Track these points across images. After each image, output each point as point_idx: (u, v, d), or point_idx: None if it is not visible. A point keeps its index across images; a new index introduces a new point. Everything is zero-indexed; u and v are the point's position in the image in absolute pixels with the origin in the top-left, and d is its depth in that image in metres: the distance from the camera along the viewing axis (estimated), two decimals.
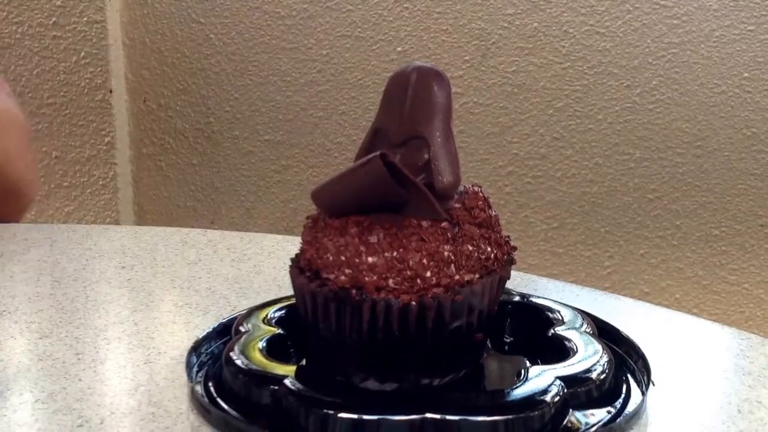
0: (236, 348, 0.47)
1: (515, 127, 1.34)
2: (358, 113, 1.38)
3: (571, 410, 0.43)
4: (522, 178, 1.35)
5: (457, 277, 0.44)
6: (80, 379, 0.48)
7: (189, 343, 0.50)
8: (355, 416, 0.41)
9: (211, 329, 0.51)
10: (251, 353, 0.46)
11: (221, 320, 0.52)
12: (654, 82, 1.30)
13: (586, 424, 0.43)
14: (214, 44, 1.42)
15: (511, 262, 0.47)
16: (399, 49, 1.35)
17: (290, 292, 0.48)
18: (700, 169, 1.32)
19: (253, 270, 0.65)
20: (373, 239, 0.44)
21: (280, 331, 0.49)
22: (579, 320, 0.50)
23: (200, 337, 0.50)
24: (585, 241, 1.38)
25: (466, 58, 1.33)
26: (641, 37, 1.29)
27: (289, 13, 1.38)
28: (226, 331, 0.50)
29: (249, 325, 0.50)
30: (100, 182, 1.46)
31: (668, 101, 1.30)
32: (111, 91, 1.43)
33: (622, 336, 0.51)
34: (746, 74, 1.27)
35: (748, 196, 1.31)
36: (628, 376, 0.48)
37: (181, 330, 0.54)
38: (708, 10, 1.26)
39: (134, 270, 0.66)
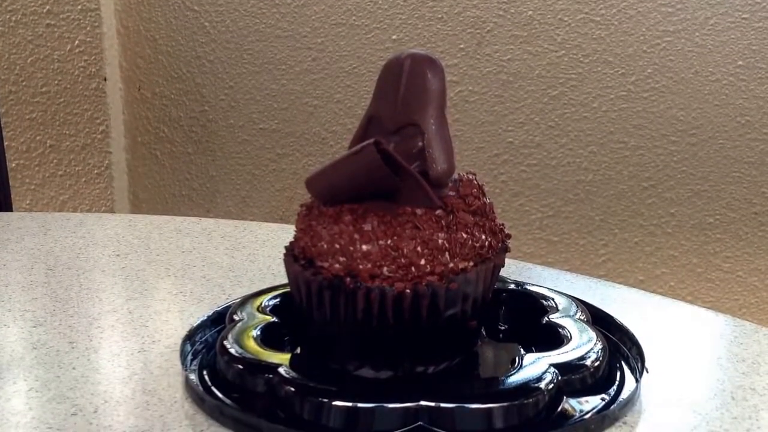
0: (230, 336, 0.47)
1: (510, 115, 1.34)
2: (353, 101, 1.38)
3: (565, 397, 0.43)
4: (517, 167, 1.35)
5: (451, 264, 0.44)
6: (74, 368, 0.48)
7: (183, 332, 0.50)
8: (349, 404, 0.41)
9: (205, 317, 0.51)
10: (245, 342, 0.46)
11: (215, 308, 0.52)
12: (649, 70, 1.30)
13: (580, 411, 0.43)
14: (209, 32, 1.41)
15: (506, 249, 0.47)
16: (394, 37, 1.35)
17: (285, 280, 0.48)
18: (695, 157, 1.32)
19: (247, 258, 0.65)
20: (367, 227, 0.43)
21: (274, 319, 0.49)
22: (573, 308, 0.50)
23: (194, 325, 0.50)
24: (580, 230, 1.38)
25: (461, 46, 1.33)
26: (636, 25, 1.29)
27: (284, 1, 1.37)
28: (221, 320, 0.50)
29: (243, 314, 0.50)
30: (95, 171, 1.45)
31: (663, 89, 1.30)
32: (105, 80, 1.43)
33: (616, 323, 0.51)
34: (741, 62, 1.27)
35: (742, 184, 1.31)
36: (622, 363, 0.48)
37: (176, 318, 0.54)
38: None
39: (128, 258, 0.66)
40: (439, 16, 1.33)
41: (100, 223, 0.73)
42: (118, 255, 0.66)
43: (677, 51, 1.28)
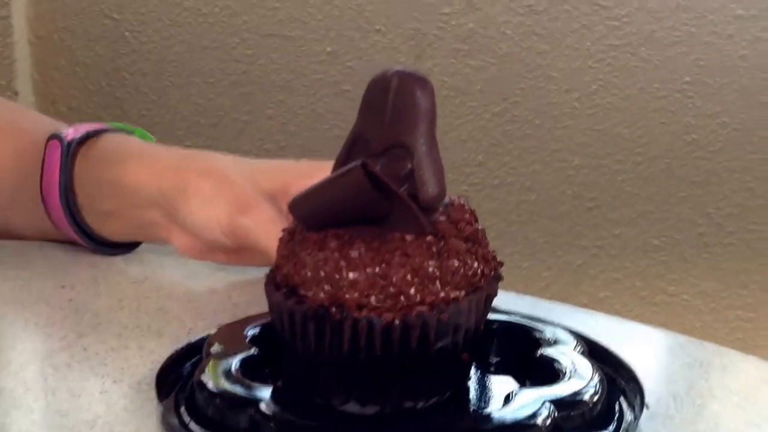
0: (207, 370, 0.46)
1: (451, 132, 1.35)
2: (286, 117, 1.37)
3: None
4: (459, 186, 1.36)
5: (442, 294, 0.44)
6: (32, 411, 0.46)
7: (145, 369, 0.49)
8: None
9: (175, 351, 0.50)
10: (223, 376, 0.46)
11: (188, 341, 0.51)
12: (593, 87, 1.32)
13: None
14: (130, 42, 1.39)
15: (498, 278, 0.48)
16: (329, 49, 1.34)
17: (249, 312, 0.48)
18: (640, 176, 1.34)
19: (207, 288, 0.64)
20: (354, 254, 0.43)
21: (254, 351, 0.48)
22: (570, 340, 0.51)
23: (166, 360, 0.49)
24: (522, 252, 1.40)
25: (400, 59, 1.34)
26: (580, 39, 1.31)
27: (212, 10, 1.36)
28: (191, 354, 0.50)
29: (220, 346, 0.49)
30: None
31: (608, 106, 1.33)
32: (17, 93, 1.39)
33: (613, 356, 0.52)
34: (687, 78, 1.30)
35: (687, 204, 1.35)
36: (620, 397, 0.48)
37: (135, 355, 0.53)
38: (649, 12, 1.29)
39: (75, 290, 0.64)
40: (377, 27, 1.33)
41: (42, 252, 0.71)
42: (63, 286, 0.64)
43: (622, 66, 1.31)
